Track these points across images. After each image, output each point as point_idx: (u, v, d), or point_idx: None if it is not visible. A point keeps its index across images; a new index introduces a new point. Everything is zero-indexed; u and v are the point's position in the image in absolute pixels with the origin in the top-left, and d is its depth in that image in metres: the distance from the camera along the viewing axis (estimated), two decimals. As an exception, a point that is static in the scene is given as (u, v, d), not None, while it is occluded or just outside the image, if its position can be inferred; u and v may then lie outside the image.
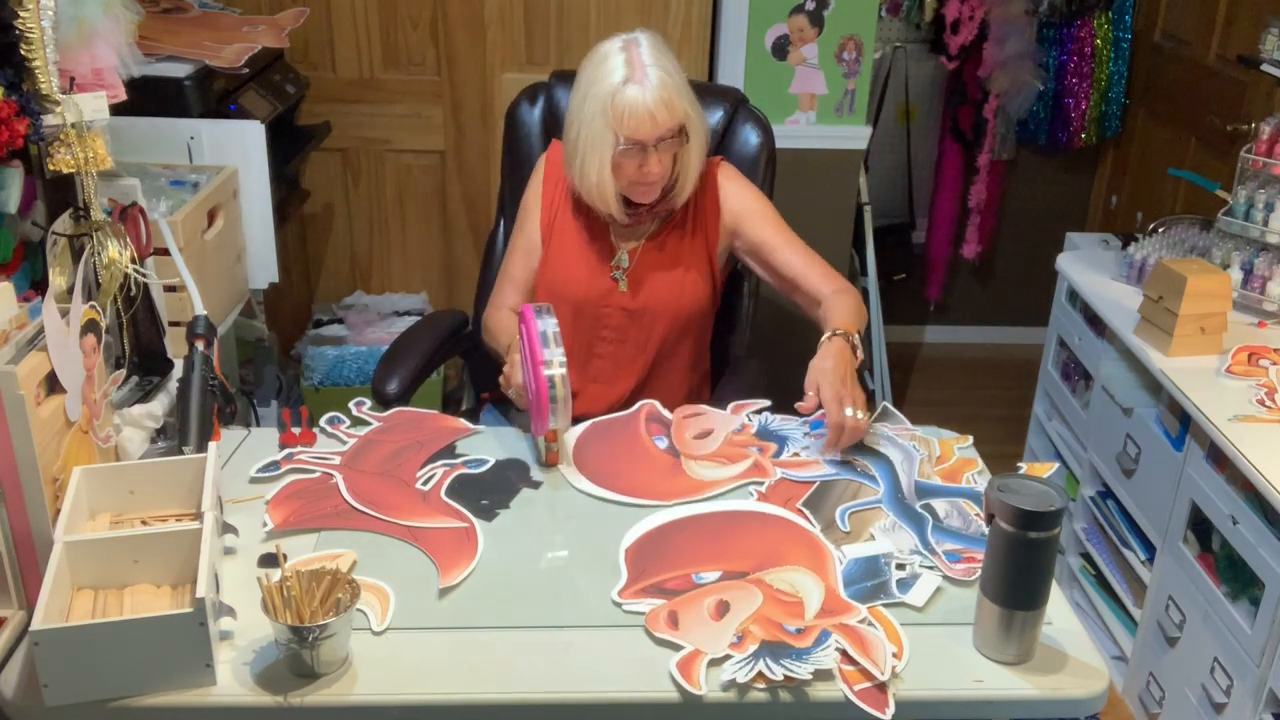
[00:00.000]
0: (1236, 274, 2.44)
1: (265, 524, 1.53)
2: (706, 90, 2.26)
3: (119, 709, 1.23)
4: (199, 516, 1.38)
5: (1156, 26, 3.60)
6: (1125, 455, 2.41)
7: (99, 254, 1.62)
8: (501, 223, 2.31)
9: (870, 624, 1.35)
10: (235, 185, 2.17)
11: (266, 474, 1.64)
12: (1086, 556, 2.67)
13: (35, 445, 1.32)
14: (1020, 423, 3.13)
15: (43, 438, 1.34)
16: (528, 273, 2.05)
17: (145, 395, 1.73)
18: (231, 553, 1.48)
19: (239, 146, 2.19)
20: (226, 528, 1.49)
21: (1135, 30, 3.67)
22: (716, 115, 2.17)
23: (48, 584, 1.24)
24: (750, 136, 2.17)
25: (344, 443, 1.74)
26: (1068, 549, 2.73)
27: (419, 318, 2.99)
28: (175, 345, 1.79)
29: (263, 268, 2.29)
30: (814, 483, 1.66)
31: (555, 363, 1.61)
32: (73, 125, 1.57)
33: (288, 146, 2.73)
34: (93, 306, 1.49)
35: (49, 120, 1.56)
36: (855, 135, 2.96)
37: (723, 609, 1.37)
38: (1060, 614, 1.40)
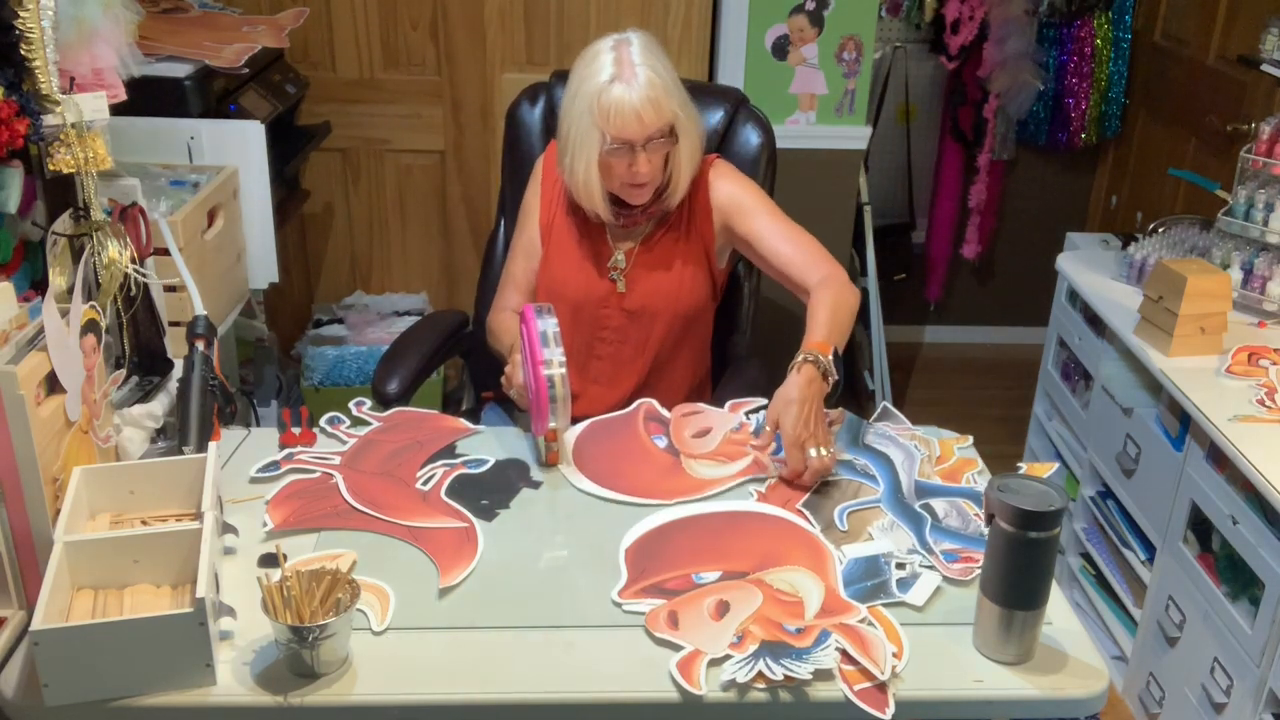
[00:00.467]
0: (1236, 274, 2.44)
1: (265, 524, 1.53)
2: (706, 90, 2.26)
3: (119, 709, 1.23)
4: (199, 516, 1.38)
5: (1156, 26, 3.60)
6: (1125, 455, 2.41)
7: (99, 254, 1.62)
8: (502, 223, 2.31)
9: (870, 624, 1.35)
10: (235, 185, 2.17)
11: (266, 474, 1.65)
12: (1086, 556, 2.67)
13: (35, 445, 1.32)
14: (1020, 423, 3.13)
15: (43, 438, 1.34)
16: (529, 274, 2.05)
17: (145, 395, 1.73)
18: (231, 553, 1.48)
19: (239, 146, 2.19)
20: (226, 528, 1.49)
21: (1135, 30, 3.67)
22: (717, 115, 2.17)
23: (48, 584, 1.24)
24: (750, 136, 2.17)
25: (344, 443, 1.74)
26: (1068, 549, 2.73)
27: (419, 318, 2.99)
28: (175, 345, 1.79)
29: (263, 268, 2.29)
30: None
31: (555, 362, 1.61)
32: (73, 125, 1.57)
33: (288, 146, 2.73)
34: (93, 306, 1.49)
35: (49, 120, 1.56)
36: (855, 135, 2.96)
37: (723, 609, 1.37)
38: (1060, 614, 1.40)
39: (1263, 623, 1.92)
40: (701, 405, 1.85)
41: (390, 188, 3.16)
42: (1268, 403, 2.09)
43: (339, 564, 1.33)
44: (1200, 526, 2.16)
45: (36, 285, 1.66)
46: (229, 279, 2.16)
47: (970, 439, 1.79)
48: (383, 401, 1.98)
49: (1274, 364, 2.21)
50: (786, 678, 1.26)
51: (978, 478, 1.68)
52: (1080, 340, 2.72)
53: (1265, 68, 2.66)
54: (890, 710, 1.24)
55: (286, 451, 1.70)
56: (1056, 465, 2.22)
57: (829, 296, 1.79)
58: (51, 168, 1.58)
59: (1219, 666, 2.05)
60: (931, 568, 1.47)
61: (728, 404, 1.85)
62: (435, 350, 2.18)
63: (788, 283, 1.91)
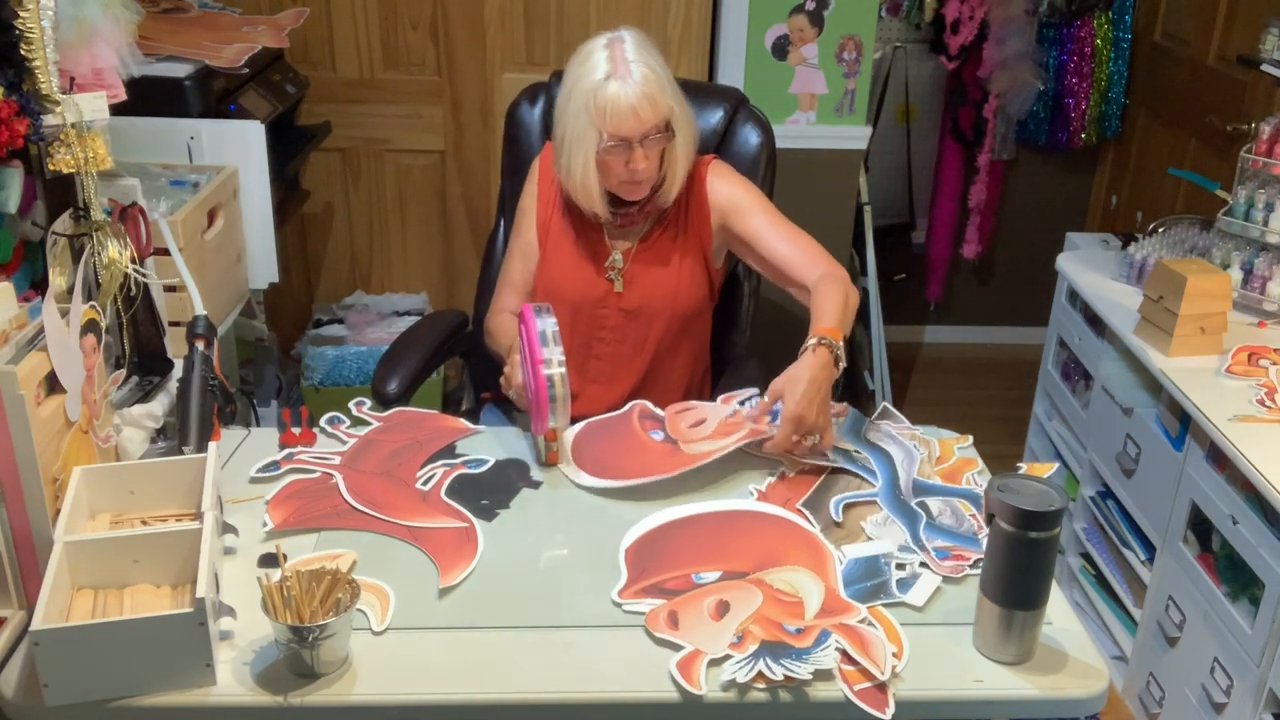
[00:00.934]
0: (1236, 274, 2.44)
1: (265, 524, 1.53)
2: (706, 90, 2.26)
3: (119, 709, 1.23)
4: (199, 516, 1.38)
5: (1156, 26, 3.60)
6: (1125, 455, 2.41)
7: (99, 254, 1.62)
8: (501, 223, 2.31)
9: (870, 624, 1.35)
10: (235, 185, 2.17)
11: (266, 474, 1.65)
12: (1086, 556, 2.67)
13: (35, 445, 1.32)
14: (1020, 423, 3.13)
15: (43, 438, 1.34)
16: (526, 276, 2.05)
17: (145, 395, 1.73)
18: (231, 553, 1.48)
19: (239, 146, 2.19)
20: (226, 528, 1.49)
21: (1135, 30, 3.67)
22: (717, 115, 2.17)
23: (48, 584, 1.24)
24: (750, 136, 2.17)
25: (344, 443, 1.74)
26: (1068, 549, 2.73)
27: (419, 318, 2.99)
28: (175, 345, 1.79)
29: (263, 268, 2.29)
30: (816, 479, 1.66)
31: (554, 362, 1.61)
32: (73, 125, 1.57)
33: (288, 146, 2.73)
34: (93, 306, 1.49)
35: (49, 120, 1.56)
36: (855, 135, 2.96)
37: (723, 609, 1.37)
38: (1060, 614, 1.40)
39: (1263, 623, 1.92)
40: (695, 402, 1.84)
41: (390, 188, 3.16)
42: (1268, 403, 2.09)
43: (339, 564, 1.33)
44: (1200, 526, 2.16)
45: (36, 285, 1.66)
46: (229, 279, 2.16)
47: (970, 439, 1.79)
48: (383, 401, 1.98)
49: (1274, 364, 2.21)
50: (786, 678, 1.26)
51: (978, 478, 1.68)
52: (1080, 340, 2.72)
53: (1265, 68, 2.66)
54: (890, 710, 1.24)
55: (286, 451, 1.70)
56: (1056, 465, 2.22)
57: (835, 289, 1.79)
58: (51, 168, 1.58)
59: (1219, 666, 2.05)
60: (924, 564, 1.47)
61: (719, 398, 1.84)
62: (435, 350, 2.18)
63: (786, 282, 1.91)
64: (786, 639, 1.32)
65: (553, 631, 1.36)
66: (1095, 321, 2.64)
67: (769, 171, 2.17)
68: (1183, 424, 2.20)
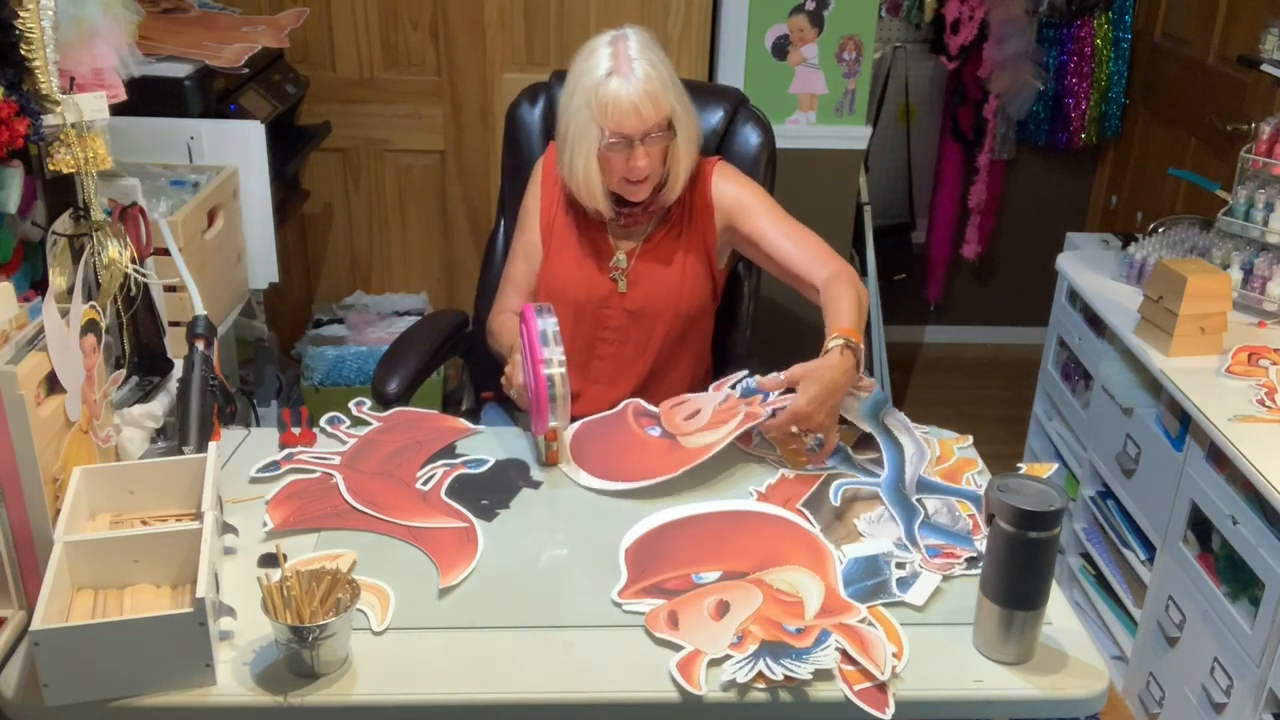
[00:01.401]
0: (1236, 274, 2.44)
1: (265, 524, 1.53)
2: (706, 90, 2.26)
3: (119, 709, 1.23)
4: (199, 516, 1.38)
5: (1156, 26, 3.60)
6: (1125, 455, 2.41)
7: (99, 254, 1.62)
8: (502, 223, 2.31)
9: (870, 624, 1.35)
10: (235, 185, 2.17)
11: (266, 474, 1.65)
12: (1086, 556, 2.67)
13: (35, 445, 1.32)
14: (1020, 423, 3.13)
15: (43, 438, 1.34)
16: (529, 276, 2.05)
17: (145, 395, 1.73)
18: (231, 553, 1.48)
19: (239, 146, 2.19)
20: (226, 528, 1.49)
21: (1135, 30, 3.67)
22: (717, 115, 2.17)
23: (48, 584, 1.24)
24: (750, 136, 2.17)
25: (344, 443, 1.74)
26: (1068, 549, 2.73)
27: (419, 318, 2.99)
28: (175, 345, 1.79)
29: (263, 268, 2.29)
30: (819, 475, 1.66)
31: (555, 361, 1.61)
32: (73, 125, 1.57)
33: (288, 146, 2.73)
34: (93, 306, 1.49)
35: (49, 120, 1.56)
36: (855, 135, 2.96)
37: (723, 609, 1.37)
38: (1060, 614, 1.40)
39: (1263, 623, 1.92)
40: (686, 395, 1.84)
41: (390, 188, 3.16)
42: (1268, 403, 2.09)
43: (339, 564, 1.33)
44: (1200, 526, 2.16)
45: (36, 285, 1.66)
46: (229, 279, 2.16)
47: (970, 439, 1.79)
48: (383, 401, 1.98)
49: (1274, 364, 2.21)
50: (786, 678, 1.26)
51: (978, 478, 1.68)
52: (1080, 340, 2.72)
53: (1265, 68, 2.66)
54: (890, 710, 1.24)
55: (286, 451, 1.70)
56: (1056, 465, 2.22)
57: (849, 288, 1.80)
58: (51, 168, 1.58)
59: (1219, 666, 2.05)
60: (914, 561, 1.47)
61: (711, 386, 1.84)
62: (435, 350, 2.18)
63: (794, 280, 1.91)
64: (786, 639, 1.32)
65: (553, 631, 1.36)
66: (1095, 321, 2.64)
67: (769, 171, 2.17)
68: (1183, 424, 2.20)
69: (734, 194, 1.96)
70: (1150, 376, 2.32)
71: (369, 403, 1.86)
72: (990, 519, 1.30)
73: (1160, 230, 2.74)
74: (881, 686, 1.26)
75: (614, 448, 1.74)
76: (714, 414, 1.74)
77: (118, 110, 1.70)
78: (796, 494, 1.63)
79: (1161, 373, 2.23)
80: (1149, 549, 2.36)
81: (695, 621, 1.36)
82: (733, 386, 1.81)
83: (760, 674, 1.26)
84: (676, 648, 1.32)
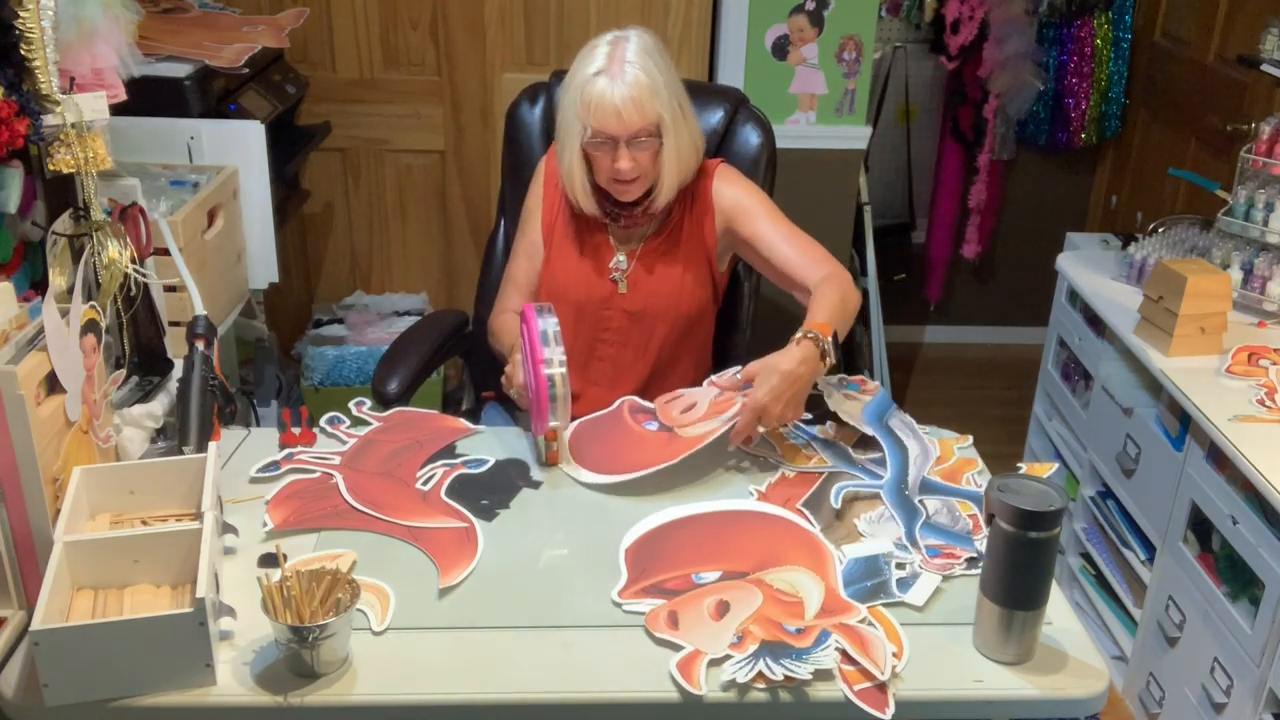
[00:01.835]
0: (1236, 274, 2.44)
1: (265, 524, 1.53)
2: (706, 90, 2.26)
3: (119, 709, 1.23)
4: (199, 516, 1.38)
5: (1156, 26, 3.60)
6: (1125, 455, 2.41)
7: (99, 254, 1.62)
8: (502, 223, 2.31)
9: (870, 624, 1.35)
10: (235, 185, 2.17)
11: (266, 474, 1.65)
12: (1086, 556, 2.67)
13: (35, 445, 1.32)
14: (1020, 423, 3.13)
15: (43, 438, 1.34)
16: (531, 275, 2.05)
17: (145, 395, 1.73)
18: (231, 553, 1.48)
19: (239, 146, 2.19)
20: (226, 528, 1.49)
21: (1135, 30, 3.67)
22: (717, 115, 2.17)
23: (48, 584, 1.24)
24: (750, 136, 2.17)
25: (344, 443, 1.74)
26: (1068, 549, 2.73)
27: (419, 318, 2.99)
28: (175, 345, 1.79)
29: (263, 268, 2.29)
30: (819, 475, 1.66)
31: (555, 361, 1.61)
32: (73, 125, 1.57)
33: (288, 146, 2.73)
34: (93, 306, 1.49)
35: (49, 120, 1.56)
36: (855, 135, 2.96)
37: (723, 609, 1.37)
38: (1060, 614, 1.40)
39: (1263, 623, 1.92)
40: (680, 390, 1.84)
41: (390, 188, 3.16)
42: (1268, 403, 2.09)
43: (339, 564, 1.33)
44: (1200, 526, 2.16)
45: (36, 285, 1.66)
46: (229, 279, 2.16)
47: (970, 439, 1.79)
48: (383, 401, 1.98)
49: (1274, 364, 2.21)
50: (786, 678, 1.26)
51: (978, 478, 1.68)
52: (1080, 340, 2.72)
53: (1265, 68, 2.66)
54: (890, 710, 1.24)
55: (286, 451, 1.70)
56: (1056, 465, 2.22)
57: (833, 289, 1.80)
58: (51, 168, 1.57)
59: (1219, 666, 2.05)
60: (914, 561, 1.47)
61: (705, 382, 1.84)
62: (435, 350, 2.18)
63: (789, 284, 1.91)
64: (786, 639, 1.32)
65: (553, 631, 1.36)
66: (1095, 321, 2.64)
67: (769, 171, 2.17)
68: (1183, 424, 2.20)
69: (734, 197, 1.96)
70: (1150, 376, 2.32)
71: (369, 403, 1.86)
72: (990, 519, 1.30)
73: (1160, 230, 2.74)
74: (881, 686, 1.26)
75: (612, 444, 1.74)
76: (711, 406, 1.75)
77: (118, 110, 1.70)
78: (796, 494, 1.63)
79: (1161, 373, 2.23)
80: (1149, 549, 2.36)
81: (695, 621, 1.36)
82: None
83: (760, 674, 1.26)
84: (676, 648, 1.32)
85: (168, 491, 1.46)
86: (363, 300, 3.24)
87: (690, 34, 2.97)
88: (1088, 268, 2.73)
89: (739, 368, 1.81)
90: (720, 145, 2.17)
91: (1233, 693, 2.01)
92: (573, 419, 1.78)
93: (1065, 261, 2.79)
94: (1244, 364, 2.22)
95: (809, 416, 1.80)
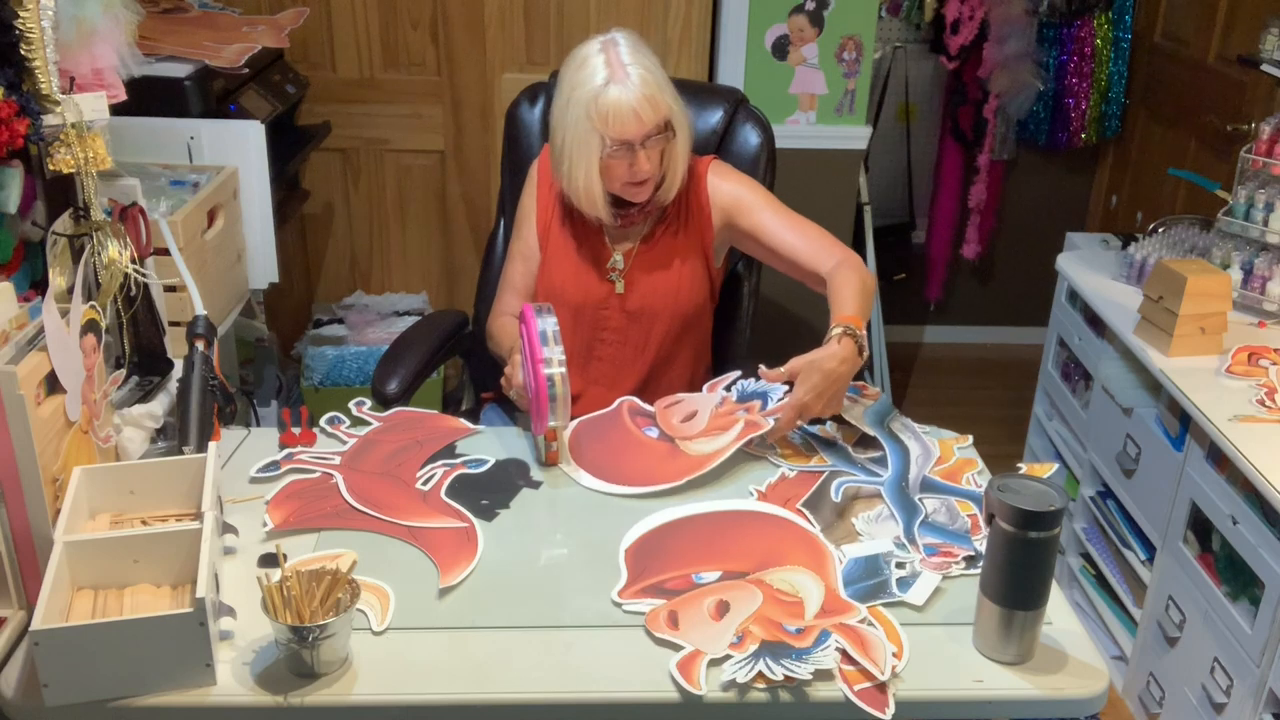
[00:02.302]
0: (1236, 274, 2.44)
1: (265, 524, 1.53)
2: (706, 90, 2.26)
3: (119, 709, 1.23)
4: (199, 516, 1.38)
5: (1156, 26, 3.60)
6: (1125, 455, 2.41)
7: (99, 254, 1.62)
8: (501, 223, 2.31)
9: (870, 624, 1.35)
10: (235, 185, 2.17)
11: (266, 474, 1.65)
12: (1086, 556, 2.67)
13: (35, 445, 1.32)
14: (1020, 423, 3.13)
15: (43, 438, 1.34)
16: (528, 278, 2.05)
17: (145, 395, 1.73)
18: (231, 553, 1.48)
19: (239, 146, 2.19)
20: (226, 528, 1.49)
21: (1135, 30, 3.67)
22: (716, 115, 2.17)
23: (48, 584, 1.24)
24: (750, 136, 2.17)
25: (344, 443, 1.74)
26: (1068, 549, 2.73)
27: (419, 318, 2.99)
28: (175, 345, 1.79)
29: (263, 268, 2.29)
30: (819, 474, 1.66)
31: (555, 361, 1.61)
32: (73, 125, 1.57)
33: (288, 146, 2.73)
34: (93, 306, 1.49)
35: (49, 120, 1.56)
36: (855, 135, 2.96)
37: (723, 609, 1.37)
38: (1060, 614, 1.40)
39: (1263, 623, 1.92)
40: (681, 394, 1.84)
41: (390, 188, 3.16)
42: (1268, 403, 2.09)
43: (339, 564, 1.33)
44: (1200, 526, 2.16)
45: (36, 285, 1.66)
46: (229, 279, 2.16)
47: (970, 439, 1.79)
48: (383, 401, 1.98)
49: (1274, 364, 2.21)
50: (786, 678, 1.26)
51: (978, 478, 1.68)
52: (1080, 340, 2.72)
53: (1265, 68, 2.66)
54: (890, 710, 1.24)
55: (286, 451, 1.70)
56: (1056, 465, 2.22)
57: (853, 276, 1.80)
58: (51, 168, 1.57)
59: (1219, 666, 2.05)
60: (914, 561, 1.47)
61: (705, 386, 1.85)
62: (435, 350, 2.18)
63: (799, 273, 1.91)
64: (786, 639, 1.32)
65: (553, 631, 1.36)
66: (1095, 321, 2.64)
67: (769, 171, 2.17)
68: (1183, 424, 2.20)
69: (731, 191, 1.96)
70: (1150, 376, 2.32)
71: (369, 403, 1.86)
72: (990, 519, 1.30)
73: (1160, 230, 2.74)
74: (881, 686, 1.26)
75: (612, 448, 1.74)
76: (711, 418, 1.75)
77: (118, 110, 1.70)
78: (796, 494, 1.63)
79: (1161, 373, 2.23)
80: (1149, 549, 2.36)
81: (695, 621, 1.36)
82: (727, 388, 1.81)
83: (760, 674, 1.26)
84: (676, 648, 1.32)
85: (168, 491, 1.46)
86: (363, 300, 3.24)
87: (690, 34, 2.97)
88: (1088, 268, 2.73)
89: (738, 373, 1.81)
90: (720, 145, 2.17)
91: (1233, 693, 2.01)
92: (573, 418, 1.79)
93: (1065, 261, 2.79)
94: (1244, 364, 2.22)
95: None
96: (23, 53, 1.52)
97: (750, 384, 1.81)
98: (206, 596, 1.22)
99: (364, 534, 1.52)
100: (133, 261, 1.66)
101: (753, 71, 2.87)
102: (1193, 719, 2.14)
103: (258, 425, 2.07)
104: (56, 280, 1.58)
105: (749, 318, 2.23)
